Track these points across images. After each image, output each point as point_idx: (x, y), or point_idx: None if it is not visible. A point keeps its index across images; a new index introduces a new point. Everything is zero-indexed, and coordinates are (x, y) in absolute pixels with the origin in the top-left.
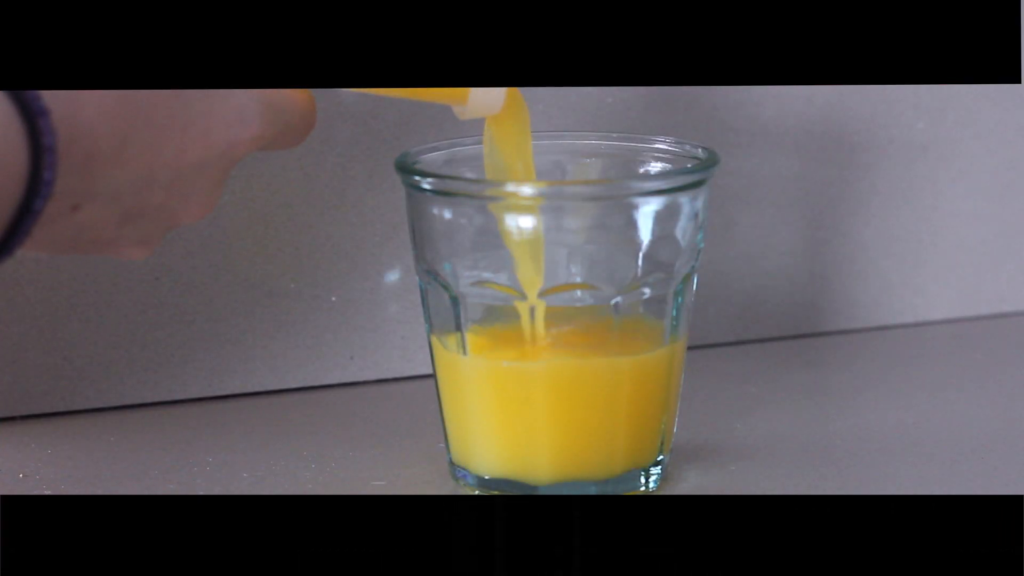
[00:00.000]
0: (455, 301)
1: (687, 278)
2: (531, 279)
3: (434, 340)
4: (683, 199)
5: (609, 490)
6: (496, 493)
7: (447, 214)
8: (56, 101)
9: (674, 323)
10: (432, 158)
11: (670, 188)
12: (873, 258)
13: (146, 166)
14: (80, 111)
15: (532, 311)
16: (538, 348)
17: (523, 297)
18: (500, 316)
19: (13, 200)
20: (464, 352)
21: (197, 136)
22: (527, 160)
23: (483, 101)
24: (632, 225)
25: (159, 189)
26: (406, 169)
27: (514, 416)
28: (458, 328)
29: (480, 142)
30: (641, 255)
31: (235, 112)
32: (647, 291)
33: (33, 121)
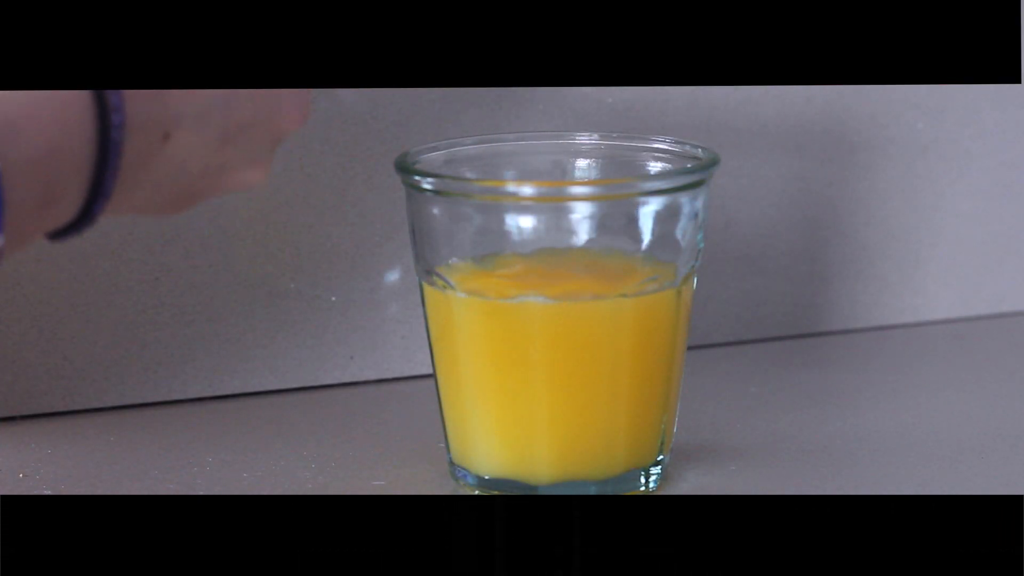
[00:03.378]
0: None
1: (687, 278)
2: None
3: (427, 288)
4: (683, 199)
5: (609, 490)
6: (496, 493)
7: (447, 214)
8: None
9: (687, 265)
10: (432, 158)
11: (670, 188)
12: (873, 258)
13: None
14: None
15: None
16: (531, 286)
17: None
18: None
19: (88, 137)
20: (457, 292)
21: None
22: None
23: None
24: (632, 225)
25: (245, 101)
26: (406, 169)
27: (511, 365)
28: (448, 284)
29: (480, 142)
30: (641, 255)
31: None
32: (647, 291)
33: None
